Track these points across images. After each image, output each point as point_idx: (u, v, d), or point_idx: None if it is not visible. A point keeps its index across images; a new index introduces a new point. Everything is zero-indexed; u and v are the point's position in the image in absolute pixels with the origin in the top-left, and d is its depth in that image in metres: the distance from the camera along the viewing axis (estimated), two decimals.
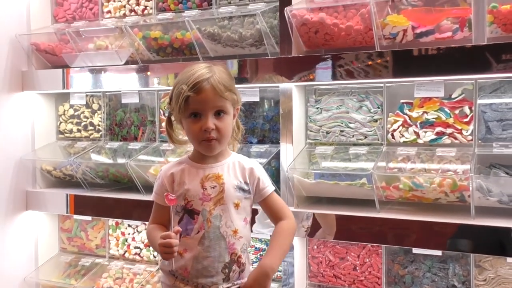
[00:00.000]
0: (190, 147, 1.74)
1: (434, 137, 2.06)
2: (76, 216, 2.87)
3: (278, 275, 2.32)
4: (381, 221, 1.99)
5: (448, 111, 2.05)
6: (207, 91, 1.57)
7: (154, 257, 2.72)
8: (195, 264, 1.62)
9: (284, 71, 2.16)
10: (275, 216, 1.71)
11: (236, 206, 1.65)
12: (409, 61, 1.95)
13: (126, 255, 2.80)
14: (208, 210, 1.62)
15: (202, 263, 1.61)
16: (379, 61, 1.99)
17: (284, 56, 2.17)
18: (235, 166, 1.68)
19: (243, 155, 1.76)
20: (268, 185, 1.70)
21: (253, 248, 2.40)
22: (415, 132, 2.09)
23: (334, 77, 2.07)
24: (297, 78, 2.13)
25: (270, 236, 1.72)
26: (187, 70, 1.62)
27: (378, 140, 2.17)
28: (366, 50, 2.04)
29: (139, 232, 2.76)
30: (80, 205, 2.69)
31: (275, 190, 1.73)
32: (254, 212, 1.76)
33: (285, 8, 2.11)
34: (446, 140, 2.05)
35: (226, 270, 1.63)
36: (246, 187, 1.67)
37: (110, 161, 2.64)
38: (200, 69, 1.60)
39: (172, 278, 1.66)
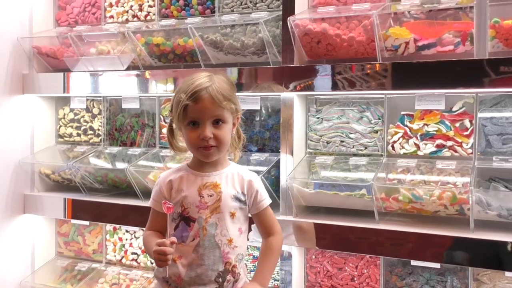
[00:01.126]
0: (190, 154, 1.74)
1: (434, 149, 2.06)
2: (73, 221, 2.86)
3: (276, 284, 2.32)
4: (380, 232, 1.99)
5: (449, 124, 2.06)
6: (205, 100, 1.58)
7: (151, 263, 2.71)
8: (188, 272, 1.63)
9: (283, 80, 2.16)
10: (266, 231, 1.74)
11: (232, 215, 1.66)
12: (410, 73, 1.96)
13: (123, 260, 2.79)
14: (204, 218, 1.63)
15: (196, 270, 1.62)
16: (377, 70, 1.99)
17: (284, 66, 2.17)
18: (234, 177, 1.69)
19: (243, 163, 1.77)
20: (265, 198, 1.73)
21: (251, 256, 2.39)
22: (415, 144, 2.10)
23: (334, 87, 2.07)
24: (296, 88, 2.13)
25: (260, 252, 1.73)
26: (188, 79, 1.64)
27: (378, 151, 2.17)
28: (368, 61, 2.05)
29: (136, 238, 2.76)
30: (77, 210, 2.68)
31: (270, 204, 1.75)
32: (251, 221, 1.76)
33: (288, 18, 2.12)
34: (446, 152, 2.05)
35: (220, 279, 1.63)
36: (243, 198, 1.69)
37: (109, 166, 2.63)
38: (200, 78, 1.61)
39: (165, 285, 1.67)
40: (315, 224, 2.10)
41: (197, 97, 1.58)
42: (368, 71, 2.01)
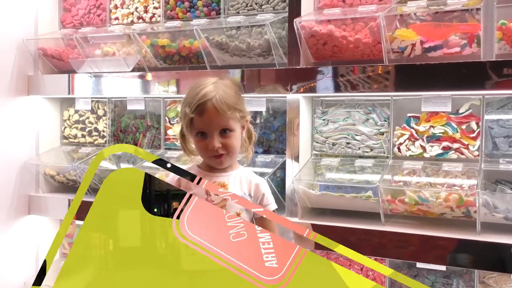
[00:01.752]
0: (198, 157, 1.76)
1: (440, 151, 2.06)
2: (78, 222, 2.86)
3: None
4: (385, 234, 1.98)
5: (455, 126, 2.05)
6: (209, 112, 1.59)
7: None
8: None
9: (288, 82, 2.16)
10: None
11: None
12: (416, 75, 1.95)
13: None
14: None
15: None
16: (383, 72, 1.99)
17: (290, 67, 2.17)
18: (242, 179, 1.71)
19: (248, 164, 1.78)
20: (271, 203, 1.73)
21: None
22: (421, 146, 2.09)
23: (338, 89, 2.07)
24: (301, 89, 2.13)
25: None
26: (194, 87, 1.64)
27: (384, 153, 2.17)
28: (374, 63, 2.04)
29: None
30: (82, 211, 2.67)
31: (275, 210, 1.75)
32: None
33: (294, 20, 2.12)
34: (452, 155, 2.04)
35: None
36: (249, 200, 1.69)
37: (114, 167, 2.63)
38: (206, 87, 1.61)
39: None
40: (319, 226, 2.09)
41: (202, 110, 1.59)
42: (374, 73, 2.00)
